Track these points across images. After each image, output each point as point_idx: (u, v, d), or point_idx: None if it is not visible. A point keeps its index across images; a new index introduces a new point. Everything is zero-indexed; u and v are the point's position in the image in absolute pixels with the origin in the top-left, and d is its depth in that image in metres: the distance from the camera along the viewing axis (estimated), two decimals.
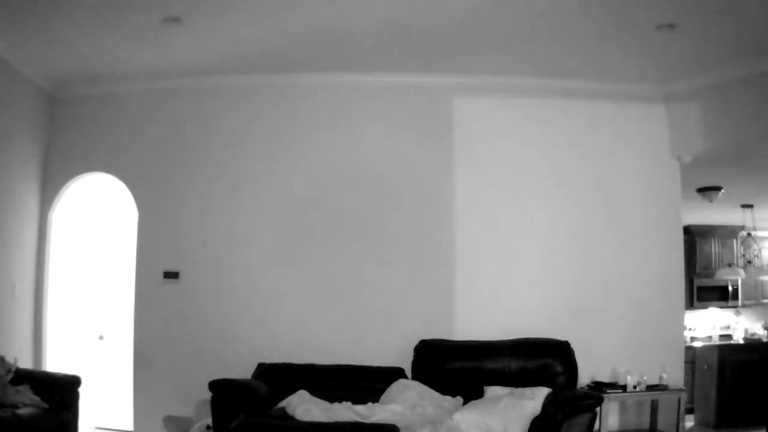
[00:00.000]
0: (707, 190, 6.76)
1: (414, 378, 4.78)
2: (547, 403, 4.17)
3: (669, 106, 5.43)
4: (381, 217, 5.34)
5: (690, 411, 6.36)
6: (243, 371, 4.80)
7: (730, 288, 8.65)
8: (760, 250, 8.79)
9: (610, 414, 4.93)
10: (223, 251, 5.35)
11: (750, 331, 8.48)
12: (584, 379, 4.87)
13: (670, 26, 4.29)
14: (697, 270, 8.52)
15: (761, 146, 5.04)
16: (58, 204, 5.58)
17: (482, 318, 5.15)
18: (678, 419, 4.97)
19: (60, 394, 4.30)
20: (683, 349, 5.47)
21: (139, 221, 5.46)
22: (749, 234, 8.46)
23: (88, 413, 5.43)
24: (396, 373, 4.80)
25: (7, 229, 4.95)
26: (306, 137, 5.43)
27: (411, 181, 5.37)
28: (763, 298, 9.05)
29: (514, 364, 4.67)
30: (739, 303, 8.74)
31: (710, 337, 7.97)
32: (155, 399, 5.14)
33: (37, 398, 4.15)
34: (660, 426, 5.07)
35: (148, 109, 5.56)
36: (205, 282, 5.32)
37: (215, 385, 4.23)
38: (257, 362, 4.90)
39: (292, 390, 4.54)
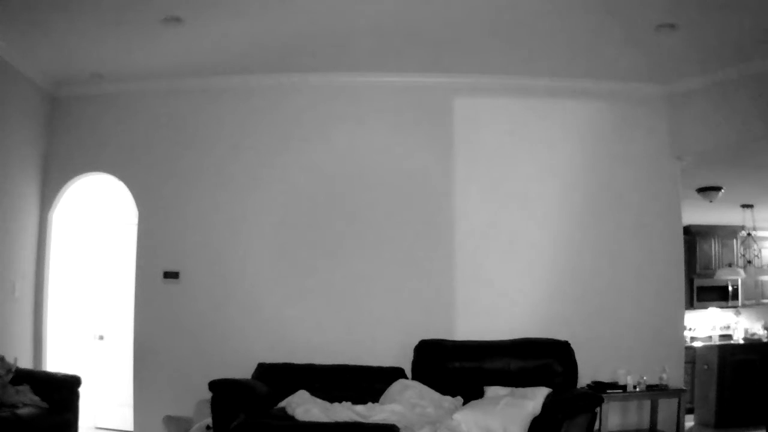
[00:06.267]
0: (707, 190, 6.75)
1: (414, 378, 4.78)
2: (547, 403, 4.16)
3: (669, 106, 5.43)
4: (381, 217, 5.34)
5: (690, 411, 6.36)
6: (243, 371, 4.80)
7: (730, 288, 8.64)
8: (760, 250, 8.78)
9: (610, 414, 4.92)
10: (223, 251, 5.35)
11: (750, 331, 8.48)
12: (584, 379, 4.86)
13: (670, 26, 4.29)
14: (697, 270, 8.51)
15: (761, 146, 5.03)
16: (58, 204, 5.57)
17: (482, 318, 5.15)
18: (678, 419, 4.98)
19: (60, 394, 4.30)
20: (683, 349, 5.47)
21: (139, 221, 5.46)
22: (749, 234, 8.46)
23: (88, 413, 5.44)
24: (396, 373, 4.80)
25: (7, 229, 4.95)
26: (306, 137, 5.42)
27: (411, 182, 5.36)
28: (763, 298, 9.04)
29: (514, 364, 4.67)
30: (739, 303, 8.73)
31: (710, 337, 7.98)
32: (155, 399, 5.14)
33: (37, 398, 4.15)
34: (660, 426, 5.07)
35: (148, 109, 5.56)
36: (205, 282, 5.32)
37: (215, 385, 4.23)
38: (257, 362, 4.90)
39: (292, 390, 4.54)
